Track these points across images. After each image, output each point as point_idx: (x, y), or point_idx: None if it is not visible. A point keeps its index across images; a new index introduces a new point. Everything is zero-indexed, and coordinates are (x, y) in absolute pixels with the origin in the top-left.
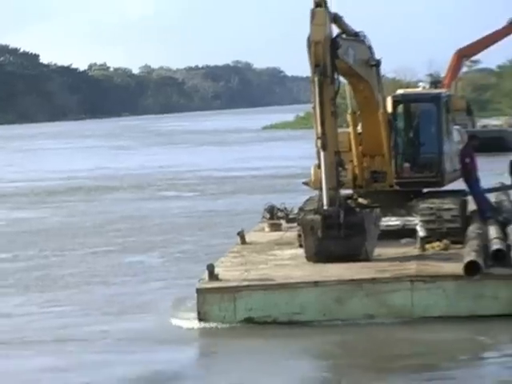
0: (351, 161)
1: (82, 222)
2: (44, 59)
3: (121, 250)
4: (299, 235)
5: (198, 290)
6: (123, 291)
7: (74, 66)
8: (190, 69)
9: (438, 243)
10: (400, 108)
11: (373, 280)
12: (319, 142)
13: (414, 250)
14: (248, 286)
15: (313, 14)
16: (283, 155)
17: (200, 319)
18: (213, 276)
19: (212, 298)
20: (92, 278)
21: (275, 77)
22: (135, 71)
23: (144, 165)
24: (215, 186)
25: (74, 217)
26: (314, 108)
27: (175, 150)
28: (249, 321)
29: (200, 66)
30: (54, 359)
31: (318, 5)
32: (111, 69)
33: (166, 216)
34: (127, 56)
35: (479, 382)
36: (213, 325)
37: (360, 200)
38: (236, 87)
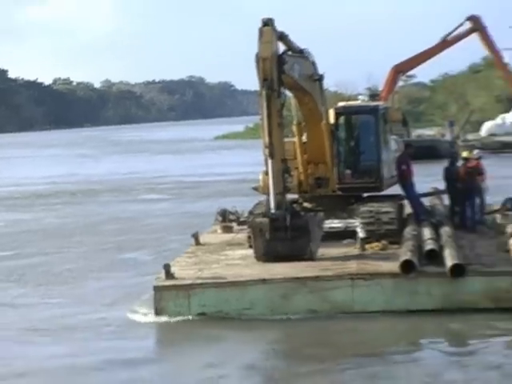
0: (297, 168)
1: (74, 222)
2: (12, 74)
3: (114, 248)
4: (249, 237)
5: (155, 288)
6: (116, 284)
7: (39, 81)
8: (147, 83)
9: (376, 243)
10: (341, 119)
11: (316, 278)
12: (267, 150)
13: (354, 250)
14: (201, 283)
15: (261, 32)
16: (236, 162)
17: (157, 314)
18: (169, 275)
19: (168, 295)
20: (89, 274)
21: (226, 90)
22: (97, 85)
23: (112, 171)
24: (190, 190)
25: (67, 218)
26: (262, 119)
27: (135, 158)
28: (202, 316)
29: (157, 80)
30: (67, 346)
31: (265, 24)
32: (74, 83)
33: (151, 217)
34: (89, 71)
35: (414, 366)
36: (169, 319)
37: (305, 204)
38: (190, 100)
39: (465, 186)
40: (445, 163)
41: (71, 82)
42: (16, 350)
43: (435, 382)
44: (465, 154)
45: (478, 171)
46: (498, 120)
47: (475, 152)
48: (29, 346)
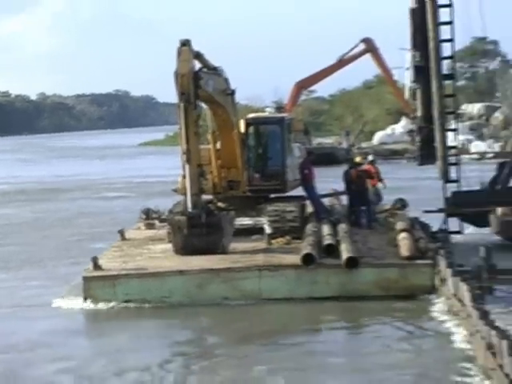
0: (211, 172)
1: (50, 216)
2: None
3: (89, 238)
4: (169, 233)
5: (84, 278)
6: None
7: None
8: (78, 96)
9: (281, 239)
10: (251, 129)
11: (228, 269)
12: (184, 156)
13: (262, 245)
14: (125, 274)
15: (179, 51)
16: (158, 166)
17: (85, 301)
18: (96, 266)
19: (95, 284)
20: (67, 260)
21: (149, 103)
22: (33, 97)
23: (56, 174)
24: (140, 189)
25: (43, 213)
26: (180, 129)
27: (73, 162)
28: (126, 303)
29: (87, 93)
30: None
31: (183, 44)
32: (12, 95)
33: (115, 212)
34: (26, 85)
35: (314, 344)
36: (96, 306)
37: (218, 204)
38: (116, 111)
39: (357, 187)
40: (343, 167)
41: (10, 94)
42: None
43: (333, 355)
44: (357, 159)
45: (368, 175)
46: (388, 130)
47: (370, 157)
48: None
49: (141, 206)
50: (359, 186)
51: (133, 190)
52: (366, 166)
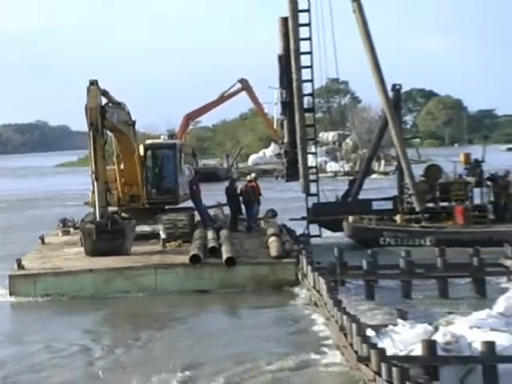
0: (116, 188)
1: (20, 221)
2: None
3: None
4: (81, 238)
5: (10, 276)
6: None
7: None
8: (4, 125)
9: (174, 242)
10: (149, 153)
11: (130, 268)
12: (93, 175)
13: (158, 247)
14: (44, 273)
15: (88, 89)
16: (72, 183)
17: (11, 295)
18: (20, 266)
19: (19, 282)
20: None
21: (64, 131)
22: None
23: None
24: (56, 202)
25: (16, 219)
26: (90, 153)
27: (4, 180)
28: (45, 297)
29: (12, 123)
30: None
31: (91, 83)
32: None
33: (36, 219)
34: None
35: (199, 327)
36: (19, 300)
37: (122, 214)
38: (37, 138)
39: (246, 199)
40: (225, 184)
41: None
42: None
43: (215, 330)
44: (248, 177)
45: (255, 189)
46: (260, 154)
47: (252, 175)
48: None
49: (58, 215)
50: (248, 198)
51: (51, 203)
52: (252, 183)
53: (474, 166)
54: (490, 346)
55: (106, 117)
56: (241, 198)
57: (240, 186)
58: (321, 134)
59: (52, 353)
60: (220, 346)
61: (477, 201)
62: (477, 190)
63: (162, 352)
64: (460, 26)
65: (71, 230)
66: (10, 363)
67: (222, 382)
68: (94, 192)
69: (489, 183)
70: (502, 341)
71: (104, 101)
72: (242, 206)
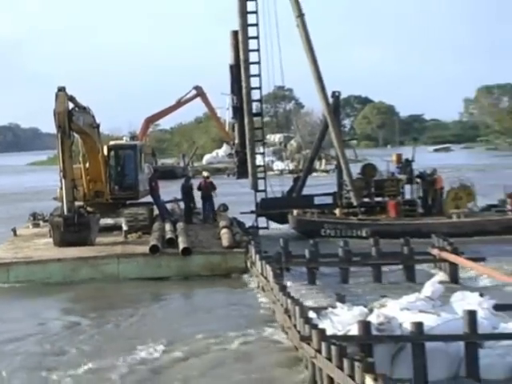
0: (82, 185)
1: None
2: None
3: None
4: (50, 230)
5: None
6: None
7: None
8: None
9: (135, 234)
10: (112, 153)
11: (95, 257)
12: (61, 173)
13: (120, 239)
14: (16, 262)
15: (56, 95)
16: (42, 180)
17: None
18: None
19: None
20: None
21: (35, 133)
22: None
23: None
24: (28, 196)
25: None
26: (58, 153)
27: None
28: (18, 283)
29: None
30: None
31: (59, 90)
32: None
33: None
34: None
35: (160, 310)
36: None
37: (88, 209)
38: (10, 139)
39: (205, 194)
40: (181, 181)
41: None
42: None
43: (174, 310)
44: (205, 173)
45: (214, 186)
46: (214, 154)
47: (205, 173)
48: None
49: (29, 210)
50: (206, 193)
51: (23, 198)
52: (209, 179)
53: (405, 165)
54: (418, 326)
55: (73, 120)
56: (199, 193)
57: (199, 182)
58: (268, 136)
59: (34, 326)
60: (179, 326)
61: (407, 196)
62: (407, 187)
63: (128, 330)
64: (393, 38)
65: (41, 222)
66: None
67: (186, 351)
68: (61, 188)
69: (418, 180)
70: (429, 321)
71: (71, 105)
72: (199, 201)
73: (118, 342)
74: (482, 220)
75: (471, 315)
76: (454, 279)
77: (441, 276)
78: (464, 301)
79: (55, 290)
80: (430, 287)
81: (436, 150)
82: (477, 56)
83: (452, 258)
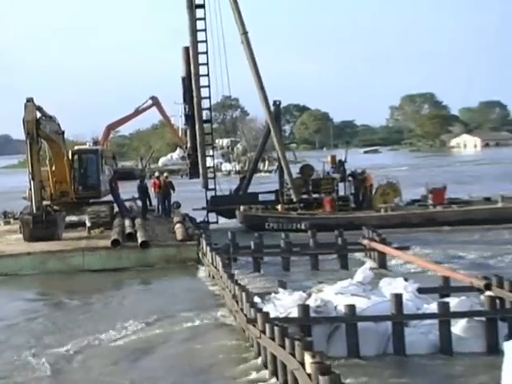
0: (49, 186)
1: None
2: None
3: None
4: (20, 227)
5: None
6: None
7: None
8: None
9: (97, 230)
10: (76, 157)
11: (61, 251)
12: (30, 175)
13: (84, 234)
14: None
15: (25, 105)
16: (13, 181)
17: None
18: None
19: None
20: None
21: (7, 139)
22: None
23: None
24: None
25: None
26: (28, 157)
27: None
28: None
29: None
30: None
31: (28, 100)
32: None
33: None
34: None
35: (120, 297)
36: None
37: (54, 207)
38: None
39: (164, 192)
40: (137, 182)
41: None
42: None
43: (132, 297)
44: (165, 173)
45: (172, 184)
46: (169, 156)
47: (165, 174)
48: None
49: (0, 208)
50: (166, 191)
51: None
52: (168, 179)
53: (339, 166)
54: (351, 308)
55: (41, 128)
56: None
57: (152, 181)
58: (217, 141)
59: (16, 310)
60: (138, 309)
61: (341, 193)
62: (341, 185)
63: (94, 313)
64: (328, 53)
65: (11, 220)
66: None
67: (140, 330)
68: (30, 189)
69: (350, 179)
70: (361, 304)
71: (39, 115)
72: (155, 199)
73: (83, 323)
74: (407, 213)
75: (397, 298)
76: (383, 266)
77: (371, 263)
78: (391, 285)
79: (26, 281)
80: (361, 273)
81: (366, 152)
82: (401, 67)
83: (380, 247)
